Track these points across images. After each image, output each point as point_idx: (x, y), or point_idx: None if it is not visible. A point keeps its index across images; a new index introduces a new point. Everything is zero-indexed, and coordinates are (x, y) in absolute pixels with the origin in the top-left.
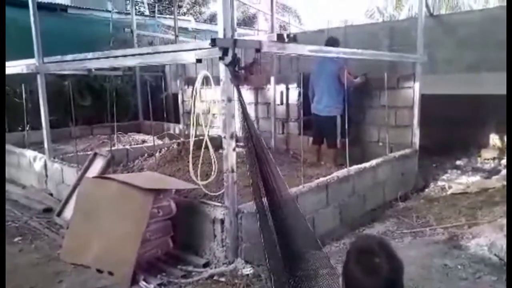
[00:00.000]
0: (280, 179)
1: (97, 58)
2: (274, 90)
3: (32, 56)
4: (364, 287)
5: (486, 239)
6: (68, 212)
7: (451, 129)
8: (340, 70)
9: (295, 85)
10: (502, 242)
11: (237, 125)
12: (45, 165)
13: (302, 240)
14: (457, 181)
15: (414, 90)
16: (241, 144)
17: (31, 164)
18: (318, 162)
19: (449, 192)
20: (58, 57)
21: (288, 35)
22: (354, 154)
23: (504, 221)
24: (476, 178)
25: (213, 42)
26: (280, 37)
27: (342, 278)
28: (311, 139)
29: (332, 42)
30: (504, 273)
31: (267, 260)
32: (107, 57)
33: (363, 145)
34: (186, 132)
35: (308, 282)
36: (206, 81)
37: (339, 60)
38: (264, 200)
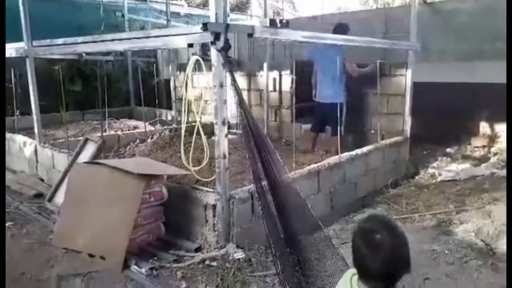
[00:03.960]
0: (279, 163)
1: (88, 42)
2: (267, 77)
3: (21, 40)
4: (370, 263)
5: (473, 225)
6: (59, 198)
7: (442, 117)
8: (346, 58)
9: (288, 72)
10: (489, 228)
11: (229, 112)
12: (36, 150)
13: (303, 221)
14: (447, 168)
15: (406, 78)
16: (233, 131)
17: (21, 149)
18: (312, 150)
19: (439, 179)
20: (48, 41)
21: (281, 21)
22: (346, 142)
23: (492, 207)
24: (466, 165)
25: (205, 27)
26: (272, 23)
27: (352, 256)
28: (304, 126)
29: (340, 28)
30: (490, 258)
31: (271, 243)
32: (98, 41)
33: (355, 132)
34: (178, 119)
35: (313, 263)
36: (198, 66)
37: (344, 47)
38: (264, 183)
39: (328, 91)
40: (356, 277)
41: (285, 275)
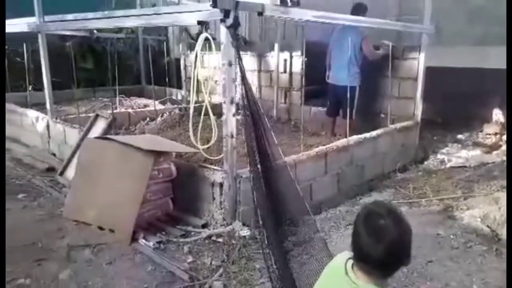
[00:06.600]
0: (275, 146)
1: (98, 18)
2: (277, 58)
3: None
4: (369, 249)
5: (480, 211)
6: (70, 172)
7: (454, 103)
8: (364, 40)
9: (299, 53)
10: (495, 214)
11: (238, 92)
12: (48, 125)
13: (293, 205)
14: (457, 154)
15: (419, 62)
16: (242, 111)
17: (33, 124)
18: (332, 135)
19: (448, 165)
20: (59, 16)
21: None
22: (357, 125)
23: (500, 194)
24: (476, 152)
25: (214, 3)
26: (283, 1)
27: (352, 239)
28: (313, 108)
29: (358, 8)
30: (495, 244)
31: (261, 223)
32: (108, 17)
33: (367, 116)
34: (188, 98)
35: (301, 245)
36: (209, 46)
37: (363, 28)
38: (259, 166)
39: (344, 73)
40: (351, 261)
41: (274, 252)
